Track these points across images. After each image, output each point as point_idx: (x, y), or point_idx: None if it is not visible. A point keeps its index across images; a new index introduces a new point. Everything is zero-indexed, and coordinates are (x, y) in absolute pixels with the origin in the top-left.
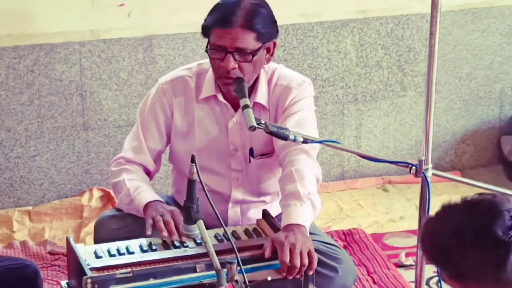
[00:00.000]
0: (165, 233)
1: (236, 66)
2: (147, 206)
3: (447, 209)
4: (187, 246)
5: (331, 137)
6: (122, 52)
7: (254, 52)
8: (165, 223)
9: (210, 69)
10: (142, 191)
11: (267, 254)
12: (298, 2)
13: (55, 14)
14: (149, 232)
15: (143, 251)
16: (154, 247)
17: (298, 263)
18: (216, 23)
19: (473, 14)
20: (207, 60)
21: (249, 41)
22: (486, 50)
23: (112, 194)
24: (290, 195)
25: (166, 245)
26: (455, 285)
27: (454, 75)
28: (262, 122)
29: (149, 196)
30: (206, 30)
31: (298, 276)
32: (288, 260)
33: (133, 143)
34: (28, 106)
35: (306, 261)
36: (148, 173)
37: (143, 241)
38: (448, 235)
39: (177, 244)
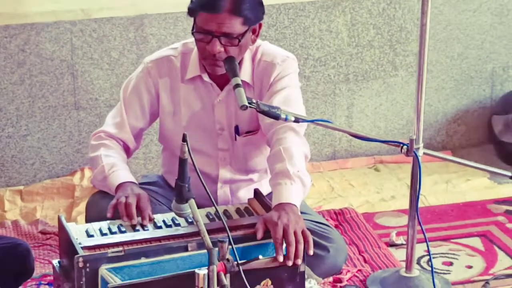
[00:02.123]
0: (125, 218)
1: (222, 49)
2: (119, 186)
3: None
4: (178, 225)
5: (323, 116)
6: (114, 31)
7: (240, 37)
8: (127, 205)
9: (195, 48)
10: (116, 170)
11: (260, 235)
12: None
13: None
14: (109, 214)
15: (134, 230)
16: (146, 227)
17: (293, 241)
18: (203, 7)
19: None
20: (193, 39)
21: (236, 26)
22: (478, 29)
23: None
24: (279, 174)
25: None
26: None
27: (445, 54)
28: (254, 101)
29: (123, 176)
30: (192, 12)
31: (298, 261)
32: (281, 236)
33: (115, 119)
34: (19, 85)
35: (301, 239)
36: (127, 149)
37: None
38: None
39: (169, 223)
